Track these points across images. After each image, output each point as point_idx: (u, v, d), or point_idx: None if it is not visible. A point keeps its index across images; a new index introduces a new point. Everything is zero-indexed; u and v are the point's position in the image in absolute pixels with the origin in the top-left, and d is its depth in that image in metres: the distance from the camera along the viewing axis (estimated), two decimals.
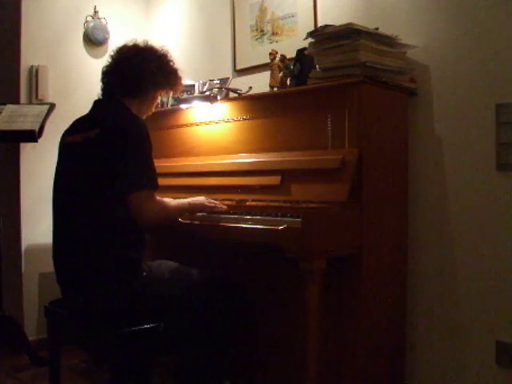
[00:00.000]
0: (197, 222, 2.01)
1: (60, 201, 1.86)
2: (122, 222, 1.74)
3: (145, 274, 1.80)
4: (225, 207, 2.04)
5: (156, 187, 1.79)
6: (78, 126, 1.89)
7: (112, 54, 1.96)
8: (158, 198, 1.83)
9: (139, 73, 1.89)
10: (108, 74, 1.93)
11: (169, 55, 2.01)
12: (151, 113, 2.06)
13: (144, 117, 2.00)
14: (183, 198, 2.08)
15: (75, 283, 1.80)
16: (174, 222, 1.99)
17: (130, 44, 1.97)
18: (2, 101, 2.81)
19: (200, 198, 2.05)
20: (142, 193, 1.74)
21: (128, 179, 1.72)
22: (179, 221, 2.04)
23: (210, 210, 2.03)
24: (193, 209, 2.00)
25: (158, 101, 2.11)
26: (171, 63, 2.00)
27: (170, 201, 1.95)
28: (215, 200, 2.12)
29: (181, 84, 2.07)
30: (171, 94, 2.15)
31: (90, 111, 1.94)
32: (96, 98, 1.97)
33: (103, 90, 1.95)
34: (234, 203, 2.13)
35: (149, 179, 1.77)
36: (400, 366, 2.11)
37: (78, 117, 1.96)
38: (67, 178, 1.84)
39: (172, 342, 1.83)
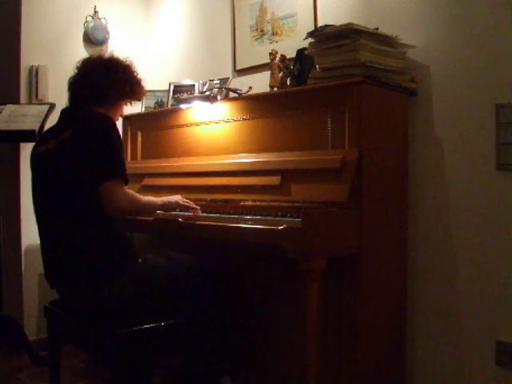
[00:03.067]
0: (197, 222, 2.02)
1: (42, 210, 1.89)
2: (103, 215, 1.78)
3: (140, 260, 1.85)
4: (198, 208, 2.10)
5: (126, 180, 1.84)
6: (48, 135, 1.94)
7: (78, 65, 2.01)
8: (129, 190, 1.88)
9: (106, 83, 1.96)
10: (74, 85, 1.98)
11: (133, 66, 2.08)
12: (117, 121, 2.10)
13: None
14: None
15: (73, 279, 1.81)
16: (144, 215, 2.12)
17: (95, 56, 2.07)
18: (2, 101, 2.81)
19: (174, 197, 2.10)
20: (112, 182, 1.78)
21: (98, 169, 1.77)
22: (179, 221, 2.05)
23: (183, 209, 2.10)
24: (166, 206, 2.06)
25: (123, 110, 2.15)
26: (135, 73, 2.07)
27: (140, 196, 1.98)
28: (215, 199, 2.13)
29: (144, 93, 2.18)
30: (134, 102, 2.24)
31: (59, 120, 1.97)
32: None
33: (70, 99, 1.99)
34: (234, 203, 2.13)
35: (119, 171, 1.81)
36: (400, 366, 2.11)
37: None
38: (47, 185, 1.86)
39: (172, 342, 1.83)
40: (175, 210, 2.11)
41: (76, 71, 2.00)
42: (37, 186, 1.91)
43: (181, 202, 2.09)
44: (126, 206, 1.83)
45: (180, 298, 1.87)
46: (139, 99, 2.20)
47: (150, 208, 2.04)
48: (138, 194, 1.96)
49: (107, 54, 2.08)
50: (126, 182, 1.84)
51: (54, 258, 1.86)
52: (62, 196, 1.79)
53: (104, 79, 1.95)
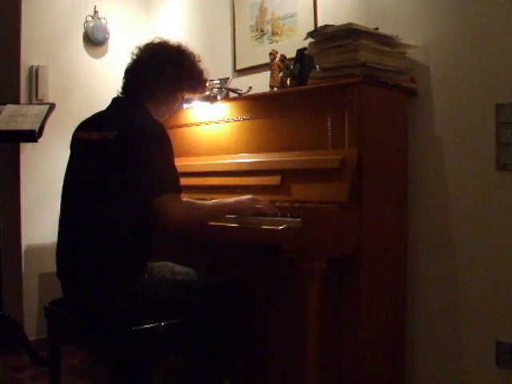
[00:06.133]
0: None
1: (70, 197, 1.84)
2: (131, 224, 1.74)
3: (146, 276, 1.79)
4: (274, 209, 1.89)
5: (179, 190, 1.77)
6: (95, 123, 1.87)
7: (133, 51, 1.95)
8: (186, 199, 1.80)
9: (155, 75, 1.87)
10: (127, 73, 1.93)
11: (188, 56, 1.96)
12: (173, 113, 2.06)
13: (164, 117, 1.99)
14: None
15: (77, 281, 1.79)
16: (213, 221, 1.92)
17: (150, 43, 1.96)
18: (2, 101, 2.81)
19: (245, 198, 1.93)
20: (166, 196, 1.71)
21: (152, 183, 1.71)
22: None
23: (256, 212, 1.88)
24: (236, 210, 1.90)
25: (179, 102, 2.06)
26: (191, 64, 1.95)
27: (204, 202, 1.90)
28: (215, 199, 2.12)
29: (203, 85, 2.03)
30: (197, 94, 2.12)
31: (108, 109, 1.92)
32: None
33: (122, 88, 1.93)
34: None
35: (172, 182, 1.75)
36: (400, 366, 2.11)
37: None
38: (80, 176, 1.82)
39: (172, 342, 1.82)
40: (246, 213, 1.89)
41: (131, 57, 1.93)
42: (70, 172, 1.86)
43: (254, 204, 1.89)
44: (181, 220, 1.74)
45: (181, 305, 1.85)
46: (198, 92, 2.05)
47: (216, 212, 1.89)
48: (196, 202, 1.85)
49: (163, 41, 1.95)
50: (179, 191, 1.75)
51: (64, 247, 1.82)
52: (92, 193, 1.74)
53: (153, 70, 1.86)
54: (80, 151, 1.87)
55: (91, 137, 1.81)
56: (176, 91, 1.96)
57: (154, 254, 1.84)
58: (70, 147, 1.92)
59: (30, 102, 2.90)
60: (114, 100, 1.93)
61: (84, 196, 1.77)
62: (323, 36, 1.98)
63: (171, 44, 1.96)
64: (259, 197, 2.01)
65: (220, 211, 1.91)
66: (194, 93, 2.05)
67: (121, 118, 1.82)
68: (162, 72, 1.88)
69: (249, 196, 1.95)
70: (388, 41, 2.01)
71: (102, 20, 3.20)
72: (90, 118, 1.92)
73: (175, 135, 2.62)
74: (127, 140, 1.73)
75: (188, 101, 2.52)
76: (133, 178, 1.71)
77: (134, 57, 1.94)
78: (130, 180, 1.71)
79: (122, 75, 1.95)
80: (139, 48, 1.95)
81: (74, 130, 1.93)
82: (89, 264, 1.74)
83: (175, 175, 1.77)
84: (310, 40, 2.04)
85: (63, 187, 1.87)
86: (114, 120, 1.81)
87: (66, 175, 1.88)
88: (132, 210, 1.73)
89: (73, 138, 1.92)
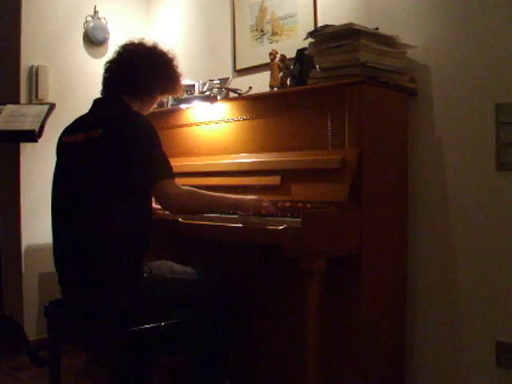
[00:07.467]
0: (197, 222, 2.01)
1: (61, 201, 1.84)
2: (126, 223, 1.73)
3: (145, 275, 1.79)
4: (275, 211, 1.91)
5: (174, 175, 1.81)
6: (79, 125, 1.87)
7: (119, 50, 1.95)
8: (188, 187, 1.85)
9: (150, 77, 1.90)
10: (112, 70, 1.92)
11: (176, 60, 2.02)
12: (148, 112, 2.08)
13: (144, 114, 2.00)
14: None
15: (76, 283, 1.79)
16: (207, 212, 1.94)
17: (137, 42, 1.97)
18: (2, 101, 2.80)
19: (250, 198, 1.94)
20: (164, 182, 1.76)
21: (148, 173, 1.75)
22: (179, 220, 2.04)
23: (257, 212, 1.87)
24: (239, 206, 1.91)
25: (158, 100, 2.11)
26: (178, 69, 2.02)
27: (207, 192, 1.92)
28: None
29: (182, 89, 2.13)
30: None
31: (91, 111, 1.92)
32: (96, 96, 1.96)
33: (104, 85, 1.93)
34: None
35: (166, 169, 1.79)
36: (400, 366, 2.11)
37: (77, 116, 1.95)
38: (69, 179, 1.82)
39: (172, 342, 1.83)
40: (249, 213, 1.87)
41: (116, 56, 1.93)
42: (59, 176, 1.87)
43: (257, 205, 1.90)
44: (183, 202, 1.80)
45: (181, 304, 1.85)
46: (177, 95, 2.17)
47: (218, 204, 1.92)
48: (201, 190, 1.90)
49: (151, 43, 1.99)
50: (175, 177, 1.81)
51: (61, 252, 1.83)
52: (84, 194, 1.75)
53: (148, 72, 1.89)
54: (67, 155, 1.87)
55: (77, 139, 1.82)
56: (162, 94, 2.02)
57: (150, 250, 1.84)
58: (56, 154, 1.92)
59: (30, 102, 2.90)
60: (96, 101, 1.93)
61: (76, 198, 1.77)
62: (323, 36, 1.98)
63: (148, 44, 1.99)
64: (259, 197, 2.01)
65: (221, 204, 1.94)
66: (174, 95, 2.14)
67: (104, 116, 1.83)
68: (156, 75, 1.92)
69: (253, 196, 1.97)
70: (388, 41, 2.00)
71: (102, 20, 3.20)
72: (73, 122, 1.93)
73: (175, 135, 2.63)
74: (114, 136, 1.74)
75: (188, 101, 2.52)
76: (125, 173, 1.71)
77: (121, 55, 1.94)
78: (122, 175, 1.71)
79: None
80: (125, 47, 1.95)
81: None
82: (88, 265, 1.73)
83: (167, 162, 1.80)
84: (310, 40, 2.04)
85: (53, 192, 1.87)
86: (98, 119, 1.82)
87: (54, 181, 1.88)
88: (125, 205, 1.73)
89: (58, 145, 1.92)
